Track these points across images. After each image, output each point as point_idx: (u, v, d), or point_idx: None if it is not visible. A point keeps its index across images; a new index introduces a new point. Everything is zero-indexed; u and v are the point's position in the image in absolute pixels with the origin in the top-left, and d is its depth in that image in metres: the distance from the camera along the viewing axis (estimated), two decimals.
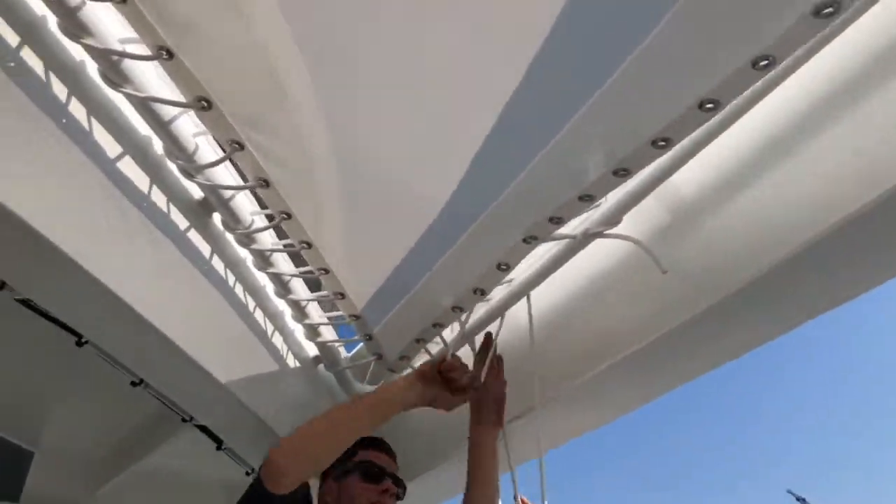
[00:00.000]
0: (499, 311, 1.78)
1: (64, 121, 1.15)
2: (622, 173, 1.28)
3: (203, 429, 2.01)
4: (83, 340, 1.55)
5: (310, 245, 1.61)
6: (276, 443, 1.41)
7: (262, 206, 1.57)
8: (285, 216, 1.51)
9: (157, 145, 1.36)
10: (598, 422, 1.88)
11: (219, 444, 2.04)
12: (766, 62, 1.02)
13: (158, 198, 1.38)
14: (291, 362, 1.91)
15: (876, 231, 1.23)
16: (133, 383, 1.71)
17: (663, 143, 1.20)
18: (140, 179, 1.34)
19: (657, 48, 1.06)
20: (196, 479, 2.94)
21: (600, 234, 1.51)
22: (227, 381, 1.65)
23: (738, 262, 1.35)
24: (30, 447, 2.86)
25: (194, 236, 1.49)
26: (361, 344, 2.01)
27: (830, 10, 0.93)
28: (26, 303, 1.41)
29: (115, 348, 1.57)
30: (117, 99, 1.25)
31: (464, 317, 1.79)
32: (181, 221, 1.45)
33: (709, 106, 1.12)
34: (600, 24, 1.12)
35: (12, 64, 1.06)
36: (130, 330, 1.39)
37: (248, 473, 2.22)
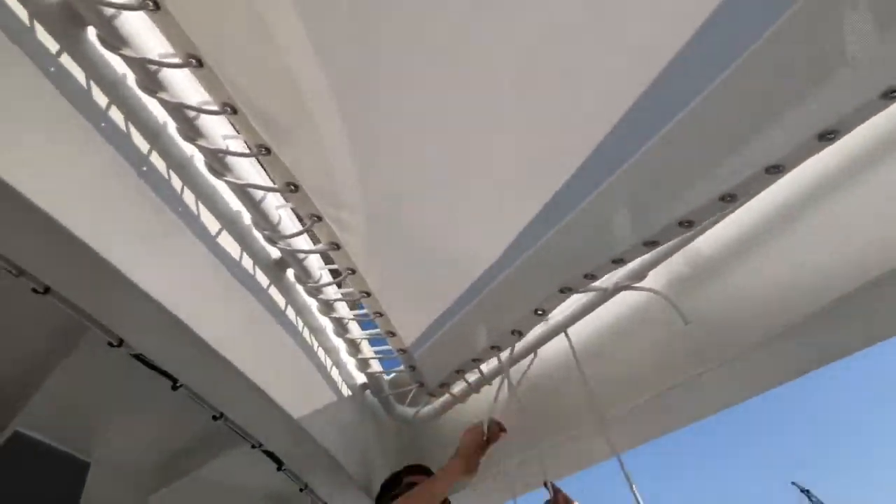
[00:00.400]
0: (532, 349, 1.99)
1: (180, 209, 1.36)
2: (651, 244, 1.49)
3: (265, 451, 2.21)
4: (178, 385, 1.76)
5: (369, 294, 1.82)
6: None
7: (327, 260, 1.79)
8: (350, 272, 1.72)
9: (246, 217, 1.57)
10: (626, 447, 2.09)
11: (279, 465, 2.25)
12: (776, 170, 1.23)
13: (246, 262, 1.59)
14: (344, 391, 2.13)
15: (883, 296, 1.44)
16: (214, 417, 1.91)
17: (689, 224, 1.41)
18: (232, 247, 1.55)
19: (680, 147, 1.26)
20: (245, 490, 3.17)
21: (628, 287, 1.73)
22: (294, 412, 1.86)
23: (753, 317, 1.56)
24: (86, 458, 3.08)
25: (272, 290, 1.70)
26: (402, 369, 2.22)
27: (832, 136, 1.14)
28: (139, 357, 1.62)
29: (204, 389, 1.78)
30: (218, 185, 1.46)
31: (502, 355, 2.00)
32: (262, 279, 1.66)
33: (728, 198, 1.32)
34: (633, 115, 1.33)
35: (145, 168, 1.27)
36: (219, 374, 1.60)
37: (301, 490, 2.44)
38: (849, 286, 1.42)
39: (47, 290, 1.36)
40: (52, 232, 1.16)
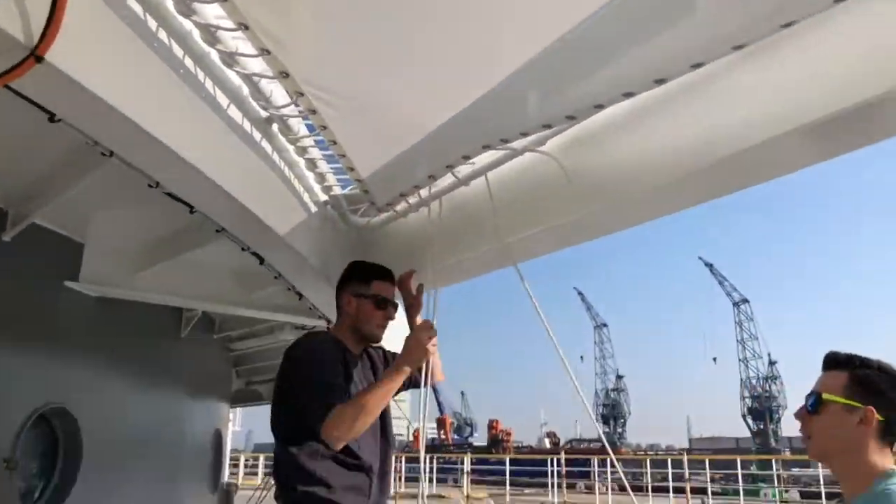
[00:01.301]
0: (461, 183, 2.60)
1: (203, 94, 1.84)
2: (546, 127, 2.07)
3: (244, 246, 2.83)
4: (193, 211, 2.30)
5: (335, 142, 2.36)
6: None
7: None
8: (323, 128, 2.25)
9: (246, 92, 2.05)
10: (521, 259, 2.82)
11: (261, 260, 2.89)
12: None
13: (245, 123, 2.10)
14: (312, 208, 2.73)
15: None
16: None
17: (572, 118, 1.99)
18: (235, 113, 2.05)
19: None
20: (218, 269, 3.85)
21: (532, 150, 2.32)
22: (271, 223, 2.47)
23: (627, 175, 2.18)
24: (81, 240, 3.67)
25: (261, 140, 2.23)
26: (358, 191, 2.82)
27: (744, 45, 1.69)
28: (171, 195, 2.14)
29: (196, 200, 2.32)
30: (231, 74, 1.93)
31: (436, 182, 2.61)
32: (256, 133, 2.18)
33: (598, 107, 1.89)
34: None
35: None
36: (218, 197, 2.16)
37: (275, 277, 3.11)
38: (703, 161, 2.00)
39: (111, 153, 1.85)
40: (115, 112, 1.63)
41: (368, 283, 2.46)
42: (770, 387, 62.70)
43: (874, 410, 1.56)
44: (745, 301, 65.92)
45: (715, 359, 75.50)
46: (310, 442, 2.20)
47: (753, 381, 63.73)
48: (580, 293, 77.40)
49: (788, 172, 2.18)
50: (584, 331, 78.84)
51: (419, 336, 2.25)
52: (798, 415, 1.69)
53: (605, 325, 77.07)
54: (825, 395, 1.63)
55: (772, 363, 64.13)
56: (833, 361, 1.69)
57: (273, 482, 2.29)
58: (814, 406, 1.65)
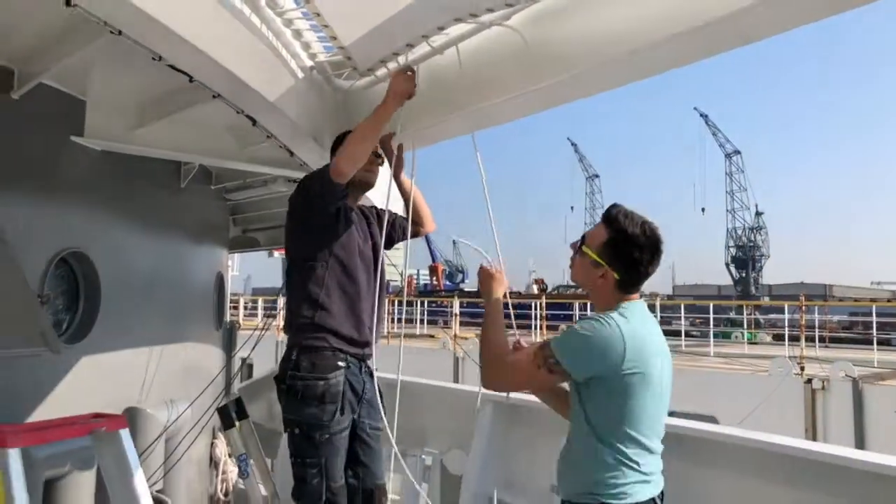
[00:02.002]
0: (435, 52, 2.83)
1: None
2: (508, 6, 2.30)
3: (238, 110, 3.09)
4: (192, 80, 2.53)
5: (318, 14, 2.57)
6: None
7: None
8: (307, 0, 2.46)
9: None
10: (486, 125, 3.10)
11: (254, 122, 3.15)
12: None
13: None
14: (299, 73, 2.97)
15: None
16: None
17: None
18: None
19: None
20: (214, 126, 4.12)
21: (498, 24, 2.55)
22: (262, 90, 2.72)
23: (580, 50, 2.43)
24: (84, 97, 3.90)
25: (250, 14, 2.45)
26: (341, 57, 3.05)
27: None
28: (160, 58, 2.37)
29: (194, 71, 2.56)
30: None
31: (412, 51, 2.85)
32: (245, 8, 2.40)
33: None
34: None
35: None
36: (214, 68, 2.41)
37: (268, 137, 3.39)
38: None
39: (120, 32, 2.09)
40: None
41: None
42: (755, 237, 64.17)
43: (613, 272, 1.88)
44: (737, 152, 65.88)
45: (703, 209, 76.47)
46: (316, 270, 2.66)
47: (739, 231, 65.06)
48: (573, 144, 77.16)
49: (705, 57, 2.44)
50: (577, 182, 79.10)
51: (398, 79, 2.69)
52: (572, 245, 2.04)
53: (596, 175, 77.46)
54: (584, 248, 1.96)
55: (758, 214, 65.21)
56: (607, 215, 1.96)
57: (272, 322, 2.77)
58: (578, 250, 1.99)
